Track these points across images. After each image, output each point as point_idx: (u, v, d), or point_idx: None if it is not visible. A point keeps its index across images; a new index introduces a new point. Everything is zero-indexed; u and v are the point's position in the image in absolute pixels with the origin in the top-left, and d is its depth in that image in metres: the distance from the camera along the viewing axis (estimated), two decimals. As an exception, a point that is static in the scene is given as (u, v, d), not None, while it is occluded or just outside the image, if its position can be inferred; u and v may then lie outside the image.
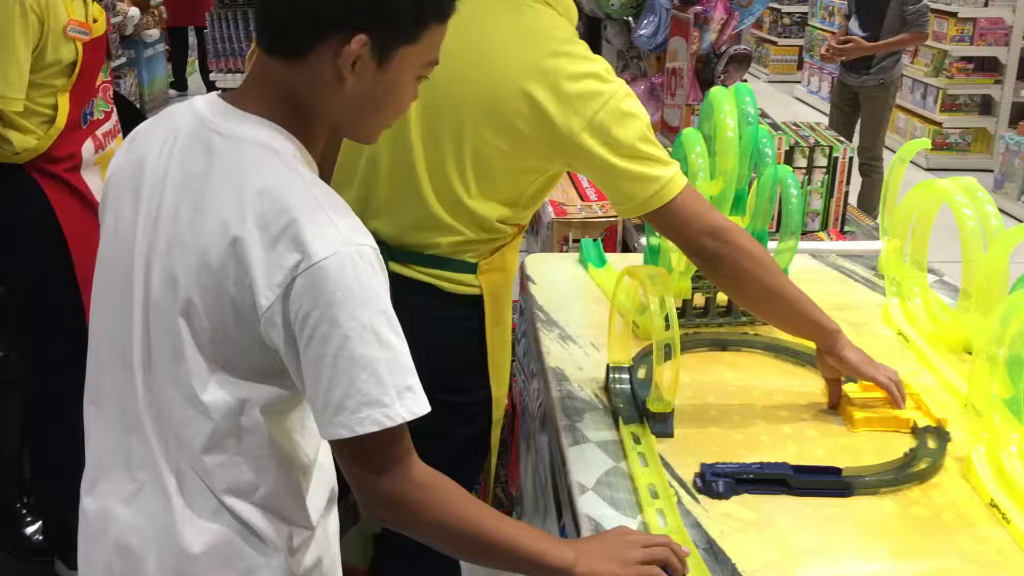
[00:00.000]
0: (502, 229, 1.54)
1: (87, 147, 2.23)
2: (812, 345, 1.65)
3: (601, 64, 1.45)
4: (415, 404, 1.04)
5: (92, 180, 2.23)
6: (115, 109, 2.41)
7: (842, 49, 5.32)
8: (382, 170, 1.48)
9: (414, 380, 1.05)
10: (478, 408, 1.63)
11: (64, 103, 2.13)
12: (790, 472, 1.27)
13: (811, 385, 1.55)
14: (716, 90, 1.69)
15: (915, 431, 1.39)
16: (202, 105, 1.11)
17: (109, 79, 2.40)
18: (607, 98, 1.40)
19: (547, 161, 1.47)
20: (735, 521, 1.20)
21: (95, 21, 2.21)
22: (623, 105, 1.41)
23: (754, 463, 1.29)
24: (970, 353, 1.57)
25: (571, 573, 1.08)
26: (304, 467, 1.17)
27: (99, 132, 2.28)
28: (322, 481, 1.20)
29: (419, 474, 1.08)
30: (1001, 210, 1.60)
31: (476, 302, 1.56)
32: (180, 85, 8.12)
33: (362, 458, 1.06)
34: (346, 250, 1.02)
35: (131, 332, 1.11)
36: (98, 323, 1.17)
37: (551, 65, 1.40)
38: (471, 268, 1.54)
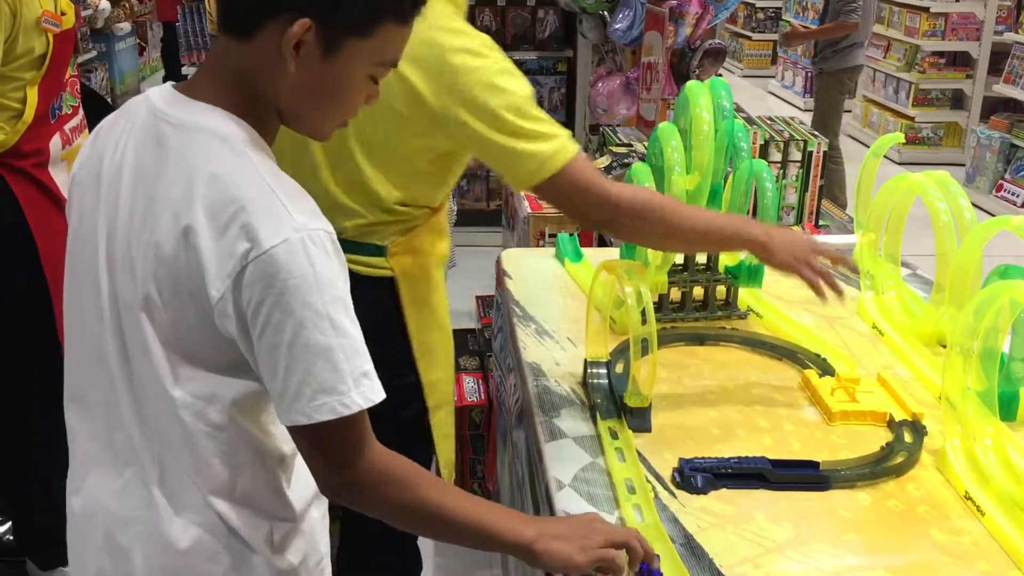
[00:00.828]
0: (405, 211, 1.55)
1: (55, 142, 2.20)
2: (790, 338, 1.66)
3: (477, 39, 1.44)
4: (371, 391, 1.05)
5: (59, 176, 2.20)
6: (81, 104, 2.38)
7: (784, 36, 5.55)
8: (285, 155, 1.49)
9: (369, 367, 1.05)
10: (409, 392, 1.63)
11: (33, 96, 2.09)
12: (768, 466, 1.27)
13: (788, 379, 1.55)
14: (691, 84, 1.69)
15: (891, 425, 1.39)
16: (156, 95, 1.11)
17: (76, 73, 2.37)
18: (480, 73, 1.40)
19: (430, 138, 1.47)
20: (712, 516, 1.20)
21: (63, 14, 2.18)
22: (497, 80, 1.41)
23: (732, 458, 1.30)
24: (944, 346, 1.58)
25: (530, 549, 1.09)
26: (281, 458, 1.17)
27: (67, 127, 2.25)
28: (305, 470, 1.19)
29: (378, 458, 1.09)
30: (973, 203, 1.61)
31: (390, 284, 1.57)
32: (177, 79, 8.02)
33: (320, 445, 1.07)
34: (297, 236, 1.01)
35: (103, 329, 1.10)
36: (72, 321, 1.16)
37: (423, 42, 1.38)
38: (380, 251, 1.55)
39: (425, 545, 1.92)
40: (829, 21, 5.48)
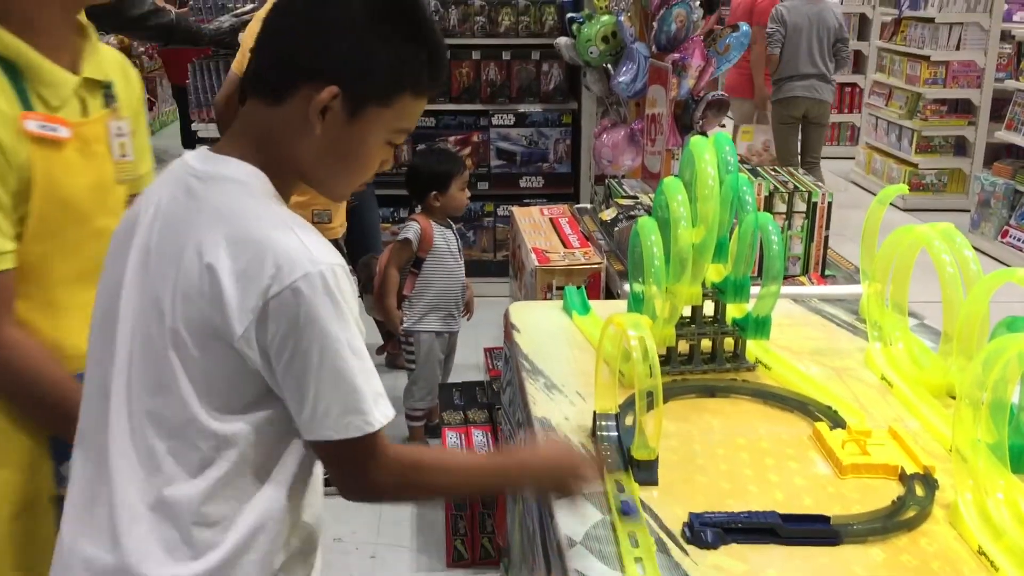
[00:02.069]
0: None
1: None
2: (800, 390, 1.66)
3: None
4: (387, 408, 1.16)
5: None
6: None
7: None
8: None
9: (381, 387, 1.16)
10: None
11: None
12: (779, 521, 1.26)
13: (798, 431, 1.55)
14: (696, 140, 1.71)
15: (903, 478, 1.39)
16: (190, 155, 1.21)
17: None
18: None
19: None
20: (724, 573, 1.20)
21: None
22: None
23: (742, 512, 1.29)
24: (953, 397, 1.58)
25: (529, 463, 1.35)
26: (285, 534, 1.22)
27: None
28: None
29: (395, 458, 1.19)
30: (978, 249, 1.62)
31: None
32: (190, 143, 8.14)
33: (344, 458, 1.17)
34: (316, 270, 1.09)
35: (112, 366, 1.17)
36: (89, 365, 1.24)
37: None
38: None
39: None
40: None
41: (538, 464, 1.35)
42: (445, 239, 3.46)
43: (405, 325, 3.44)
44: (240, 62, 3.04)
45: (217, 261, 1.09)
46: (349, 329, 1.12)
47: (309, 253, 1.10)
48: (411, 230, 3.40)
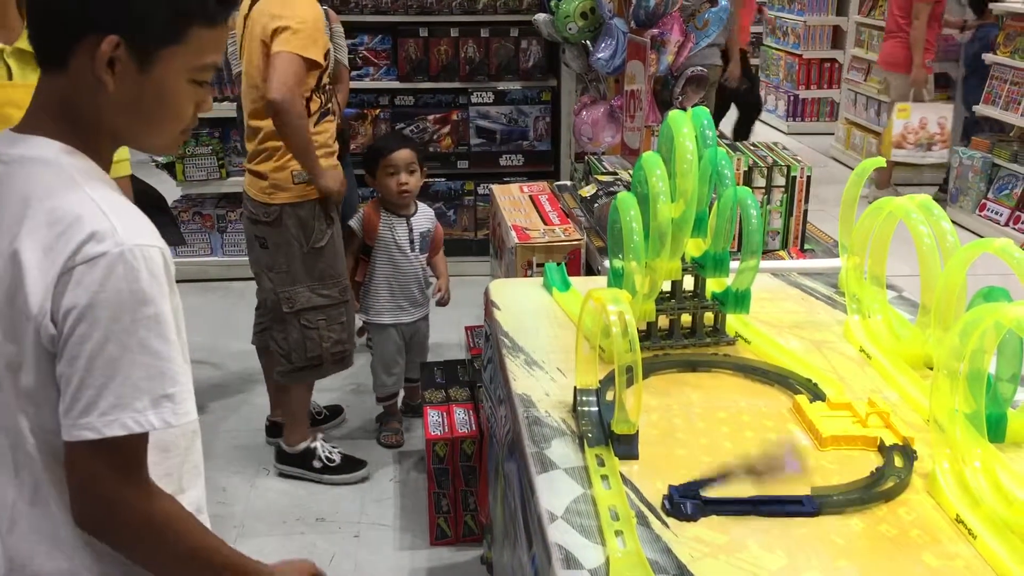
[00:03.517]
0: None
1: None
2: (780, 363, 1.67)
3: None
4: (171, 414, 1.06)
5: None
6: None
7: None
8: None
9: (176, 390, 1.06)
10: None
11: None
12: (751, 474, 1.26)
13: (778, 404, 1.56)
14: (674, 114, 1.71)
15: (882, 449, 1.40)
16: None
17: None
18: None
19: None
20: (705, 545, 1.20)
21: None
22: None
23: (715, 475, 1.29)
24: (931, 368, 1.59)
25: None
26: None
27: None
28: None
29: (155, 487, 1.10)
30: (955, 223, 1.63)
31: None
32: None
33: (101, 466, 1.05)
34: (117, 250, 1.03)
35: None
36: None
37: None
38: None
39: None
40: None
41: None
42: (391, 229, 3.35)
43: (358, 312, 3.41)
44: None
45: (21, 246, 1.05)
46: (142, 320, 1.03)
47: (116, 234, 1.04)
48: (356, 217, 3.38)
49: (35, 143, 1.11)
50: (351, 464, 3.25)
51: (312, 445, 3.22)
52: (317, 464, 3.20)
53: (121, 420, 1.02)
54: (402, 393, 3.63)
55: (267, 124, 2.87)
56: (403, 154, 3.28)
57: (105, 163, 1.15)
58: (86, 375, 1.02)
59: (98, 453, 1.04)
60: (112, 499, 1.07)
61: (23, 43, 1.54)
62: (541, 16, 3.69)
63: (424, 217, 3.47)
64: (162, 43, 1.09)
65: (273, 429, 3.44)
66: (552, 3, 3.53)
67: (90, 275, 1.02)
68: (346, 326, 3.18)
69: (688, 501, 1.26)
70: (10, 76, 1.54)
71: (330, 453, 3.23)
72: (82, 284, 1.02)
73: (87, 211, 1.05)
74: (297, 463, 3.23)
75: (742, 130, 7.10)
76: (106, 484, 1.06)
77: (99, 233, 1.03)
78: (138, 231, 1.07)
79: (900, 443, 1.39)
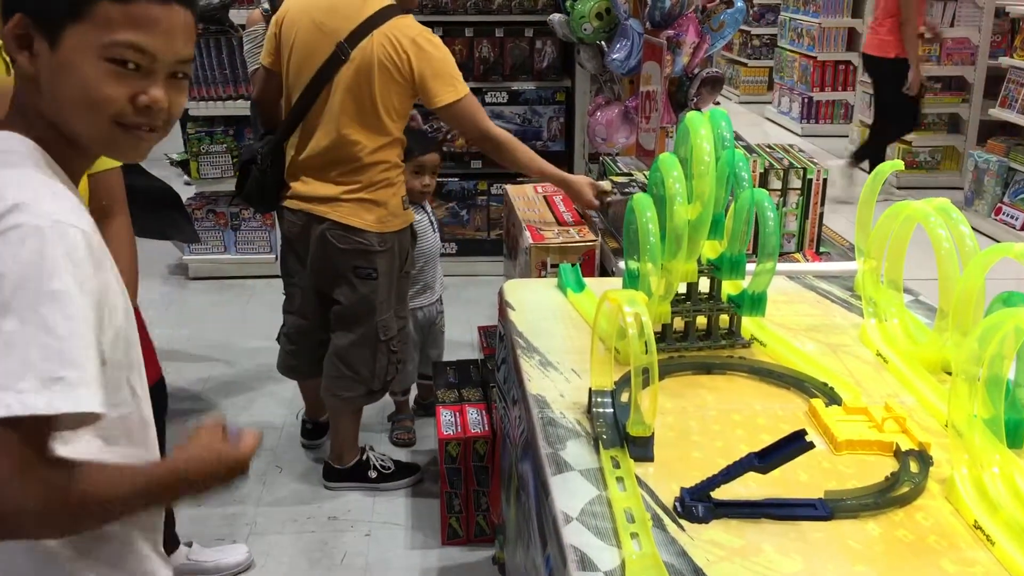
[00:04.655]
0: None
1: None
2: (795, 366, 1.66)
3: None
4: (60, 399, 0.97)
5: None
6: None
7: None
8: None
9: (73, 374, 0.98)
10: None
11: None
12: (756, 462, 1.24)
13: (794, 408, 1.55)
14: (692, 115, 1.70)
15: (898, 454, 1.39)
16: None
17: None
18: None
19: None
20: (721, 549, 1.20)
21: None
22: None
23: (720, 471, 1.28)
24: (949, 373, 1.58)
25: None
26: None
27: None
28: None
29: (45, 465, 1.00)
30: (972, 227, 1.61)
31: None
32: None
33: None
34: (33, 223, 1.00)
35: None
36: None
37: None
38: None
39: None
40: None
41: (189, 467, 1.16)
42: (424, 217, 3.41)
43: None
44: (268, 52, 2.97)
45: None
46: (49, 295, 0.97)
47: (39, 209, 1.01)
48: None
49: None
50: (405, 469, 3.26)
51: (363, 457, 3.23)
52: (373, 474, 3.20)
53: (2, 399, 0.95)
54: (415, 391, 3.63)
55: (389, 156, 2.86)
56: (433, 157, 3.33)
57: (58, 152, 1.13)
58: None
59: None
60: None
61: None
62: (556, 16, 3.69)
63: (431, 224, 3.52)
64: (65, 18, 1.06)
65: (314, 432, 3.45)
66: (567, 4, 3.53)
67: (4, 243, 0.99)
68: (409, 345, 3.24)
69: (699, 504, 1.26)
70: (9, 71, 1.55)
71: (383, 461, 3.24)
72: None
73: (12, 187, 1.04)
74: (351, 477, 3.20)
75: (875, 148, 6.63)
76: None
77: (19, 206, 1.01)
78: (59, 209, 1.04)
79: (916, 448, 1.39)
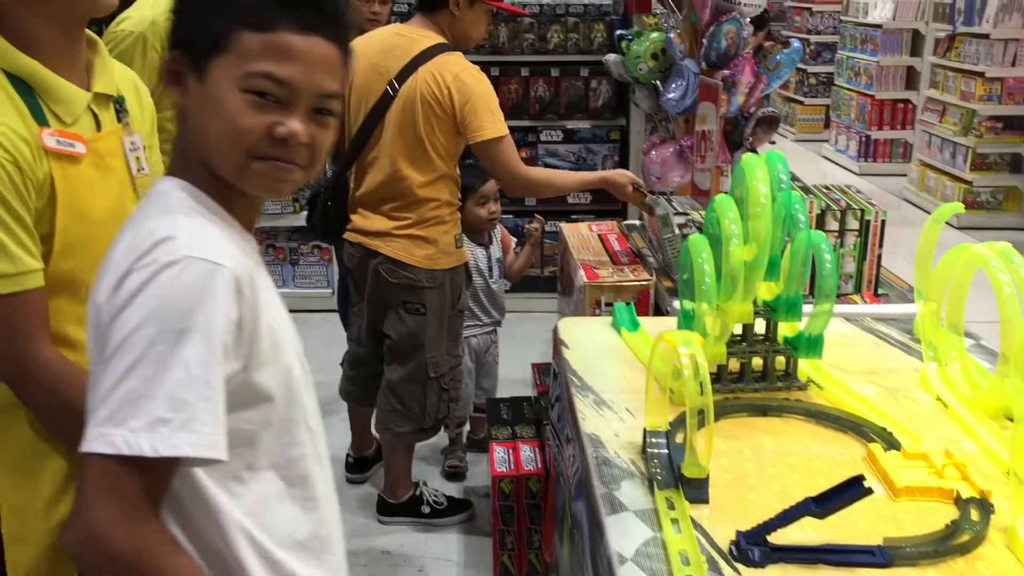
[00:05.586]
0: None
1: None
2: (853, 410, 1.65)
3: None
4: (162, 442, 0.93)
5: None
6: None
7: None
8: None
9: (182, 416, 0.94)
10: None
11: None
12: (813, 507, 1.23)
13: (851, 452, 1.54)
14: (748, 157, 1.71)
15: (958, 501, 1.37)
16: None
17: None
18: None
19: None
20: (776, 593, 1.19)
21: None
22: None
23: (776, 515, 1.27)
24: (1011, 420, 1.55)
25: None
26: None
27: None
28: None
29: (145, 525, 0.96)
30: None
31: None
32: None
33: (87, 483, 0.94)
34: (167, 259, 0.99)
35: None
36: None
37: None
38: None
39: None
40: None
41: None
42: (473, 256, 3.44)
43: None
44: None
45: (108, 262, 1.06)
46: (178, 332, 0.95)
47: (176, 243, 1.01)
48: None
49: (162, 180, 1.14)
50: (457, 505, 3.27)
51: (416, 492, 3.25)
52: (426, 509, 3.23)
53: (109, 437, 0.93)
54: (467, 427, 3.65)
55: (440, 194, 2.91)
56: (491, 185, 3.41)
57: (216, 192, 1.13)
58: (98, 377, 0.97)
59: (92, 467, 0.95)
60: (90, 524, 0.95)
61: (100, 86, 1.53)
62: (612, 56, 3.72)
63: (496, 246, 3.58)
64: (211, 52, 1.06)
65: (356, 465, 3.47)
66: (623, 44, 3.56)
67: (137, 278, 0.98)
68: (462, 381, 3.26)
69: (756, 548, 1.25)
70: (98, 127, 1.52)
71: (436, 497, 3.26)
72: (126, 287, 0.99)
73: (172, 231, 1.04)
74: (404, 512, 3.24)
75: None
76: (82, 506, 0.95)
77: (163, 242, 1.01)
78: (203, 246, 1.02)
79: (977, 496, 1.36)
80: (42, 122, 1.42)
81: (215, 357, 0.98)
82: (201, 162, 1.12)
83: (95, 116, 1.52)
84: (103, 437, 0.94)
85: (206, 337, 0.97)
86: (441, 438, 3.56)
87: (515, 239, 3.96)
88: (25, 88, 1.42)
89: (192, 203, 1.11)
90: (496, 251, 3.57)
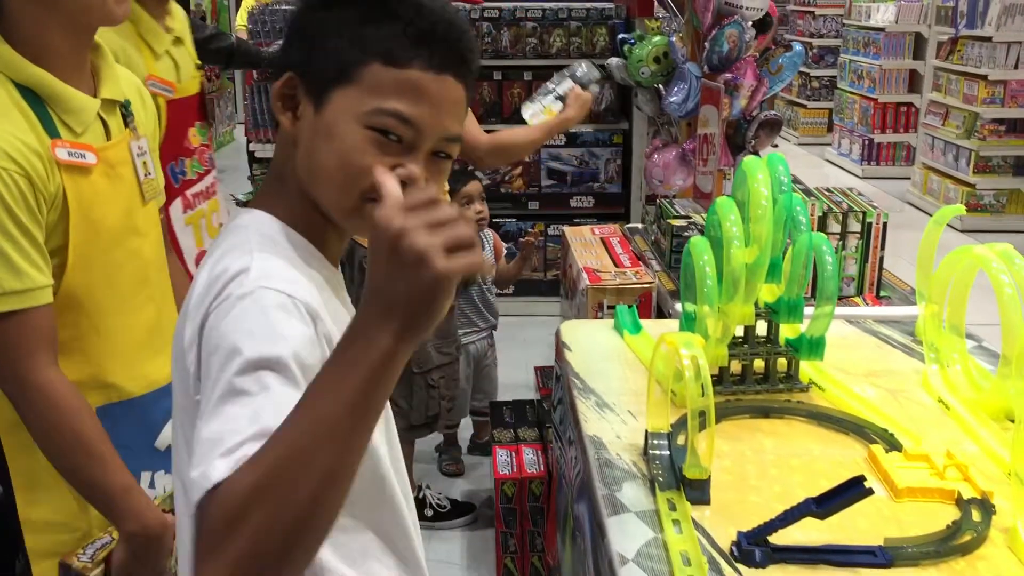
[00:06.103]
0: None
1: (175, 206, 2.24)
2: (855, 412, 1.65)
3: None
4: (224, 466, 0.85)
5: (184, 240, 2.24)
6: (212, 173, 2.41)
7: None
8: None
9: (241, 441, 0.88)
10: None
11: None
12: (814, 507, 1.24)
13: (853, 454, 1.54)
14: (749, 159, 1.72)
15: (959, 503, 1.37)
16: None
17: (208, 143, 2.39)
18: None
19: None
20: (778, 594, 1.19)
21: (180, 82, 2.22)
22: None
23: (778, 515, 1.27)
24: (1013, 421, 1.55)
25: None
26: None
27: (189, 192, 2.29)
28: None
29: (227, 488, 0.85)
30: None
31: None
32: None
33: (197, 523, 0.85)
34: (241, 292, 0.95)
35: None
36: None
37: None
38: None
39: None
40: None
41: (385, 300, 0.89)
42: None
43: None
44: None
45: (192, 295, 1.02)
46: (244, 365, 0.89)
47: (260, 280, 0.96)
48: None
49: (245, 213, 1.08)
50: (460, 508, 3.28)
51: (419, 495, 3.26)
52: (428, 512, 3.25)
53: (205, 471, 0.85)
54: (470, 429, 3.66)
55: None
56: (475, 185, 3.40)
57: (309, 224, 1.07)
58: (200, 418, 0.91)
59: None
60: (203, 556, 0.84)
61: (107, 92, 1.52)
62: (614, 60, 3.74)
63: (488, 251, 3.59)
64: (335, 82, 1.00)
65: None
66: (625, 48, 3.58)
67: (226, 313, 0.94)
68: (458, 383, 3.25)
69: (757, 548, 1.25)
70: (108, 134, 1.50)
71: (439, 499, 3.27)
72: (214, 325, 0.95)
73: (242, 263, 0.98)
74: None
75: None
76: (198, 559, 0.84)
77: (243, 279, 0.96)
78: (286, 280, 0.98)
79: (979, 497, 1.37)
80: (53, 133, 1.41)
81: (285, 386, 0.92)
82: (301, 193, 1.06)
83: (104, 123, 1.52)
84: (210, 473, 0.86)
85: (285, 367, 0.92)
86: (433, 438, 3.57)
87: (509, 244, 3.97)
88: (35, 99, 1.41)
89: (273, 241, 1.05)
90: (489, 256, 3.58)
